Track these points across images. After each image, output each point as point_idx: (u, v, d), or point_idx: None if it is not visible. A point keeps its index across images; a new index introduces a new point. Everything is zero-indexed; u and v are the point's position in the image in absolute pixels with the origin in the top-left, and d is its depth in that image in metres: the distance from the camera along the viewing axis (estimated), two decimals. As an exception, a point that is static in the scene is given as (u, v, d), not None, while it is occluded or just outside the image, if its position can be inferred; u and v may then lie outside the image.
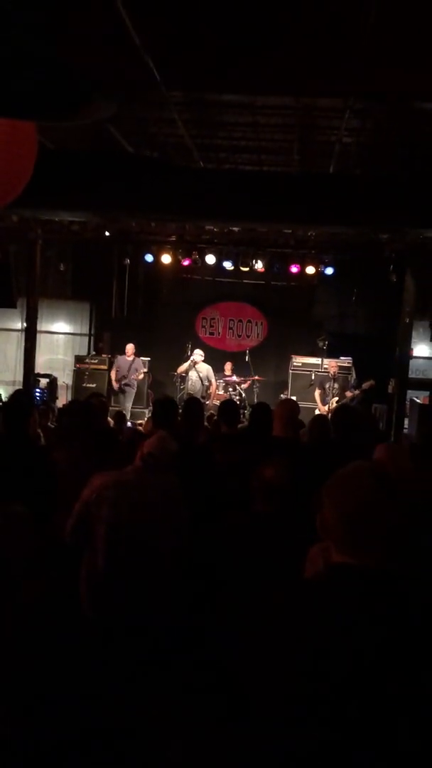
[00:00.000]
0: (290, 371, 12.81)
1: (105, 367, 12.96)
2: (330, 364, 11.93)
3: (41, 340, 13.58)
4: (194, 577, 3.38)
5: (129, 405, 12.28)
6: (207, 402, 11.15)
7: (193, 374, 11.83)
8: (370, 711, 1.56)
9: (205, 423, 7.00)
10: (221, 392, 12.15)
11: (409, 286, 11.52)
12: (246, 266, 12.25)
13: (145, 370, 12.64)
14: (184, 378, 12.07)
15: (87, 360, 13.30)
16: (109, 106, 5.51)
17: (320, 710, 1.58)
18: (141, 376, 12.40)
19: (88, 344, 14.80)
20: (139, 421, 10.65)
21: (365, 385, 11.40)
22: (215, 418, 7.27)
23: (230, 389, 12.34)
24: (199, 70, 6.06)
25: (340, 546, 1.76)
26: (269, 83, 6.34)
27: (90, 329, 14.91)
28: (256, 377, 12.68)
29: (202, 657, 3.03)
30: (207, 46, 5.49)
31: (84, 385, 12.75)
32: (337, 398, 11.38)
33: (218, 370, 12.45)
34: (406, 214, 8.61)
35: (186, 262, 12.45)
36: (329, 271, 12.24)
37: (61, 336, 14.86)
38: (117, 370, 12.43)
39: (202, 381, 11.77)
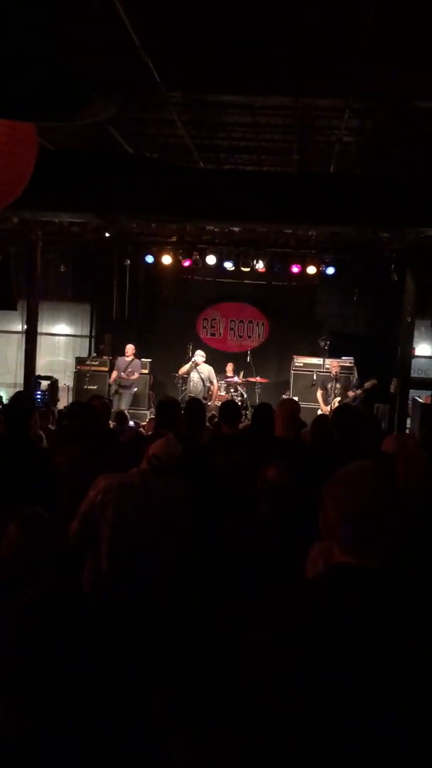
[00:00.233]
0: (292, 371, 12.81)
1: (106, 369, 12.95)
2: (332, 364, 11.92)
3: (42, 342, 13.60)
4: (196, 577, 3.38)
5: (125, 408, 12.23)
6: (209, 403, 11.14)
7: (194, 375, 11.82)
8: (371, 711, 1.56)
9: (207, 423, 6.99)
10: (223, 393, 12.14)
11: (410, 285, 11.52)
12: (247, 266, 12.24)
13: (145, 371, 12.62)
14: (185, 379, 12.06)
15: (88, 362, 13.29)
16: (109, 107, 5.51)
17: (321, 710, 1.58)
18: (135, 376, 12.31)
19: (88, 346, 14.79)
20: (142, 423, 10.64)
21: (367, 385, 11.39)
22: (216, 418, 7.26)
23: (232, 390, 12.33)
24: (199, 70, 6.06)
25: (342, 546, 1.76)
26: (269, 83, 6.34)
27: (91, 331, 14.90)
28: (258, 378, 12.67)
29: (203, 657, 3.03)
30: (207, 46, 5.49)
31: (85, 387, 12.74)
32: (339, 398, 11.36)
33: (219, 371, 12.44)
34: (406, 213, 8.61)
35: (186, 263, 12.44)
36: (330, 270, 12.22)
37: (61, 338, 14.86)
38: (117, 372, 12.41)
39: (203, 382, 11.76)
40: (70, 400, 12.35)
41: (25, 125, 4.96)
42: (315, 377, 12.38)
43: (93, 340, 14.81)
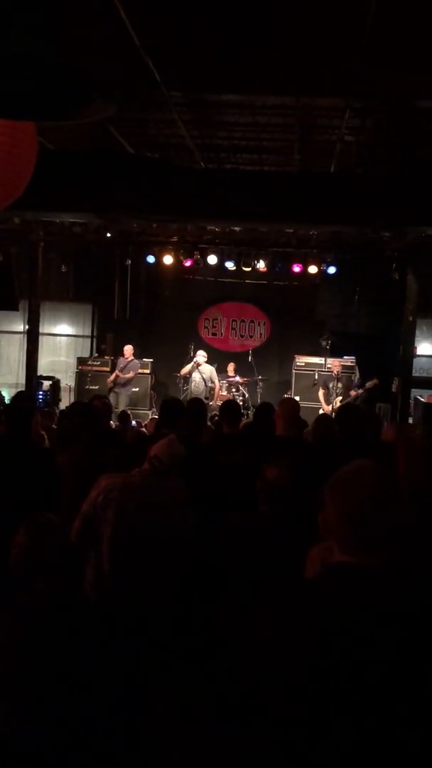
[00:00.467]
0: (293, 371, 12.80)
1: (108, 369, 12.93)
2: (333, 364, 11.92)
3: (43, 342, 13.59)
4: (196, 577, 3.37)
5: (122, 407, 12.18)
6: (211, 403, 11.14)
7: (196, 375, 11.82)
8: (372, 710, 1.56)
9: (208, 423, 6.99)
10: (224, 393, 12.14)
11: (412, 284, 11.52)
12: (248, 266, 12.24)
13: (147, 371, 12.60)
14: (187, 380, 12.05)
15: (89, 362, 13.28)
16: (109, 107, 5.50)
17: (321, 710, 1.58)
18: (130, 375, 12.27)
19: (90, 346, 14.79)
20: (144, 423, 10.63)
21: (369, 384, 11.38)
22: (217, 418, 7.26)
23: (233, 390, 12.33)
24: (199, 70, 6.07)
25: (342, 545, 1.76)
26: (269, 83, 6.34)
27: (92, 331, 14.90)
28: (259, 377, 12.67)
29: (204, 657, 3.03)
30: (207, 46, 5.49)
31: (87, 387, 12.74)
32: (340, 398, 11.36)
33: (221, 370, 12.44)
34: (407, 213, 8.61)
35: (188, 263, 12.43)
36: (332, 270, 12.22)
37: (63, 338, 14.86)
38: (116, 371, 12.39)
39: (205, 382, 11.77)
40: (72, 400, 12.35)
41: (26, 125, 4.95)
42: (316, 377, 12.37)
43: (94, 340, 14.81)
